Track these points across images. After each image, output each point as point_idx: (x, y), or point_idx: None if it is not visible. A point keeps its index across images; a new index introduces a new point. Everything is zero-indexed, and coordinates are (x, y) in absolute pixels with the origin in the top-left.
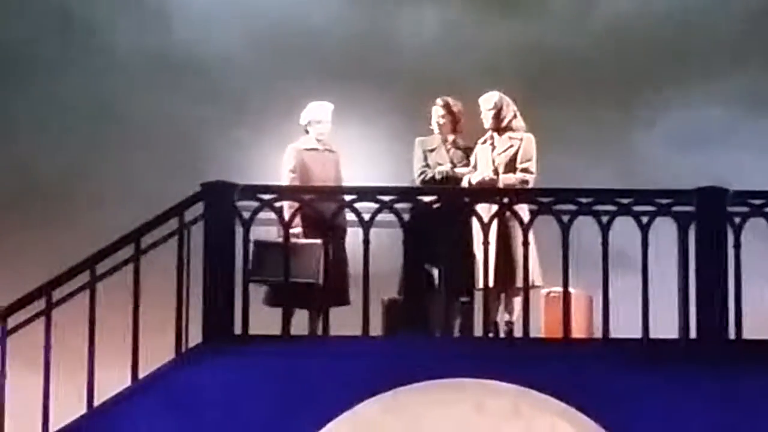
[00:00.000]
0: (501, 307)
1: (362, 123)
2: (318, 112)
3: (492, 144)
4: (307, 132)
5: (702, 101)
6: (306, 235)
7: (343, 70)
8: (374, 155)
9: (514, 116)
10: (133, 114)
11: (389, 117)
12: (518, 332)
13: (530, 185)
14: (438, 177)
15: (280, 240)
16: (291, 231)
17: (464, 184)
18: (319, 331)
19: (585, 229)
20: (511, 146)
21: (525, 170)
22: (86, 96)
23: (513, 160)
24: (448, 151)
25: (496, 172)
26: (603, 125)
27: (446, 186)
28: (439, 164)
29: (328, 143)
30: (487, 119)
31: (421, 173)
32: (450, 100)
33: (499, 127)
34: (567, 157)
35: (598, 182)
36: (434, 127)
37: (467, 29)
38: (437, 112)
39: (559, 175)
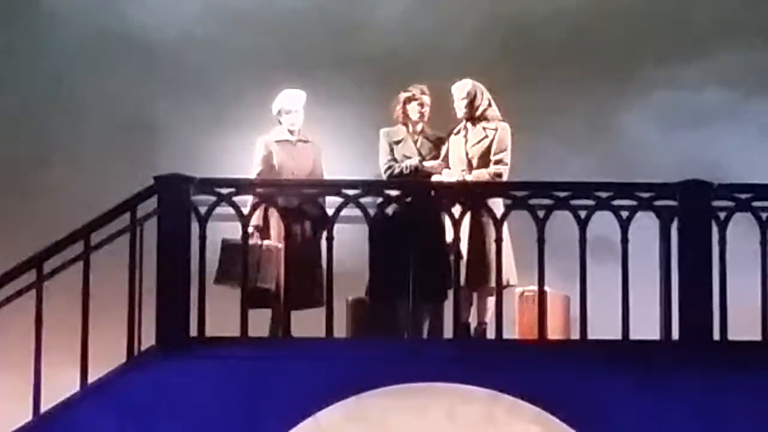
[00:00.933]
0: (473, 308)
1: (332, 110)
2: (288, 101)
3: (465, 136)
4: (280, 123)
5: (698, 80)
6: (271, 234)
7: (312, 53)
8: (345, 144)
9: (489, 105)
10: (85, 99)
11: (361, 104)
12: (491, 334)
13: (505, 177)
14: (406, 171)
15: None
16: (252, 226)
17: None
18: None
19: (561, 222)
20: (485, 137)
21: (499, 162)
22: (37, 79)
23: (487, 152)
24: (415, 142)
25: (470, 164)
26: (590, 107)
27: (413, 180)
28: (407, 157)
29: (303, 134)
30: (460, 109)
31: (388, 168)
32: (425, 87)
33: (473, 117)
34: (550, 141)
35: (582, 168)
36: (414, 116)
37: (445, 8)
38: (424, 101)
39: (542, 161)
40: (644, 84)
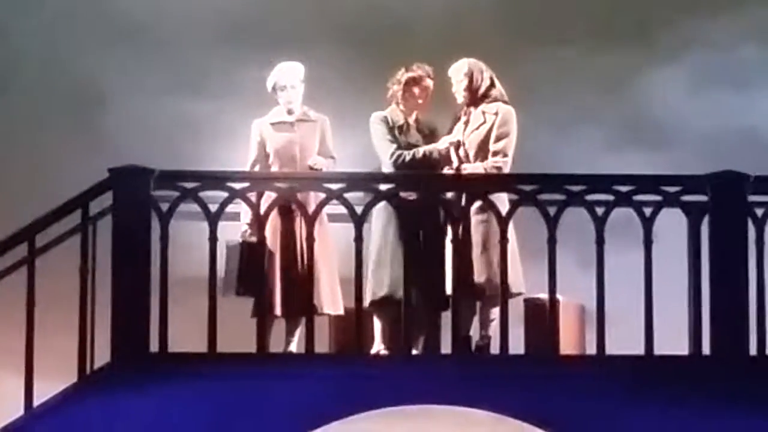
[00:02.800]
0: (476, 319)
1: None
2: (282, 75)
3: (466, 122)
4: (278, 103)
5: (731, 37)
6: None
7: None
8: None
9: (491, 84)
10: (39, 81)
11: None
12: (495, 348)
13: (506, 170)
14: (429, 156)
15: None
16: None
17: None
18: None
19: (576, 218)
20: (483, 122)
21: (497, 153)
22: None
23: (486, 140)
24: (419, 131)
25: (466, 155)
26: (609, 70)
27: (407, 172)
28: (413, 145)
29: (305, 112)
30: (459, 93)
31: (398, 156)
32: (430, 70)
33: (475, 99)
34: (562, 108)
35: (599, 138)
36: (413, 102)
37: None
38: (428, 85)
39: (553, 132)
40: (677, 42)
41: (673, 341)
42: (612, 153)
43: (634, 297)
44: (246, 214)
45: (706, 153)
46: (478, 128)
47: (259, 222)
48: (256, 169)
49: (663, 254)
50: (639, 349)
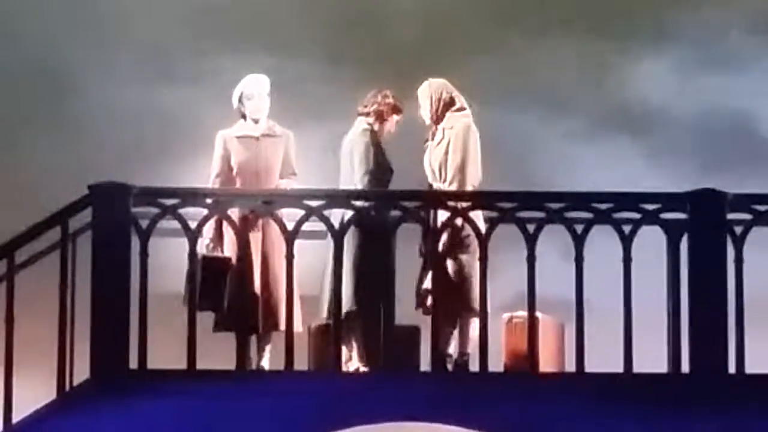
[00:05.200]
0: (455, 335)
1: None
2: (250, 84)
3: (432, 140)
4: (243, 116)
5: (720, 24)
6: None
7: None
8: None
9: (450, 101)
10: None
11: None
12: (474, 366)
13: (469, 187)
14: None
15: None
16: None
17: None
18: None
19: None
20: (442, 139)
21: (456, 171)
22: None
23: (447, 157)
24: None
25: (440, 174)
26: (593, 58)
27: (379, 190)
28: (380, 165)
29: (271, 126)
30: (425, 114)
31: (369, 180)
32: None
33: (438, 118)
34: (546, 97)
35: (582, 126)
36: (387, 130)
37: None
38: (400, 121)
39: (537, 121)
40: (663, 28)
41: (651, 359)
42: (596, 140)
43: (613, 315)
44: (208, 228)
45: (692, 139)
46: (438, 145)
47: (222, 237)
48: (218, 181)
49: (642, 272)
50: (618, 367)
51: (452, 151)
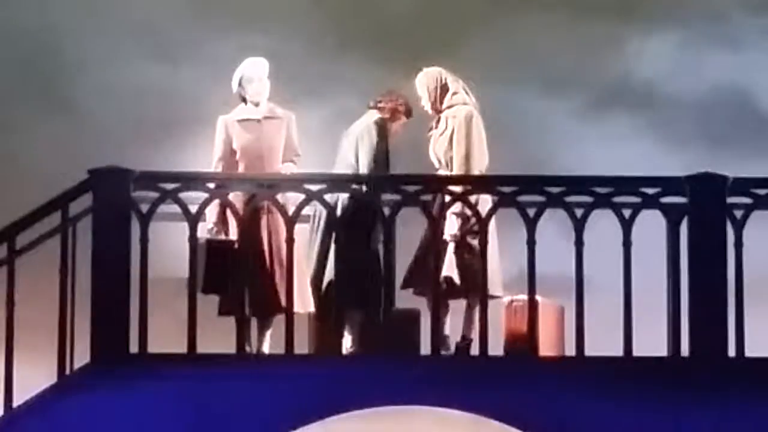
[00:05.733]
0: (448, 319)
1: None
2: (249, 68)
3: (436, 129)
4: (243, 100)
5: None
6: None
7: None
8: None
9: (446, 90)
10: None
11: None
12: (475, 350)
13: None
14: None
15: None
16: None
17: None
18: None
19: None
20: (445, 129)
21: (462, 163)
22: None
23: (450, 145)
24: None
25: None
26: (593, 35)
27: (380, 174)
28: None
29: (271, 108)
30: (425, 105)
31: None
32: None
33: (438, 108)
34: (547, 73)
35: (583, 102)
36: (394, 131)
37: None
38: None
39: (538, 97)
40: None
41: (651, 342)
42: (598, 119)
43: (613, 298)
44: (212, 212)
45: (695, 117)
46: (442, 134)
47: (227, 221)
48: (221, 166)
49: (642, 256)
50: (618, 350)
51: (456, 142)
